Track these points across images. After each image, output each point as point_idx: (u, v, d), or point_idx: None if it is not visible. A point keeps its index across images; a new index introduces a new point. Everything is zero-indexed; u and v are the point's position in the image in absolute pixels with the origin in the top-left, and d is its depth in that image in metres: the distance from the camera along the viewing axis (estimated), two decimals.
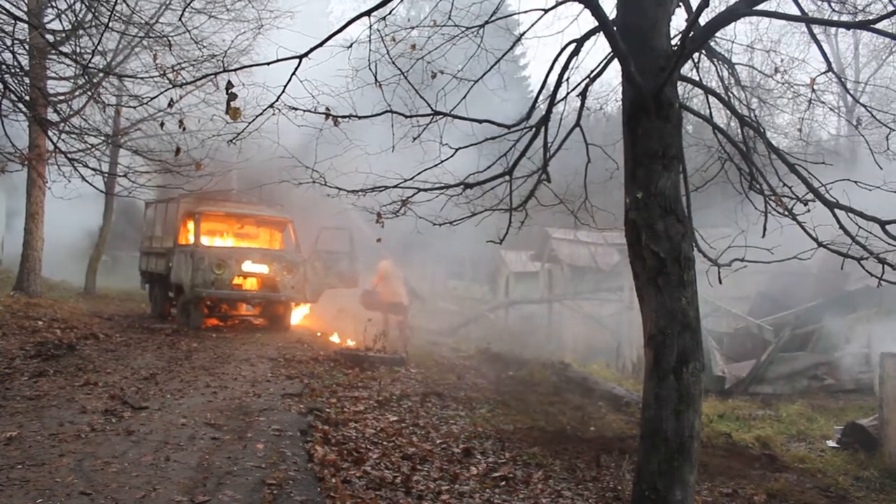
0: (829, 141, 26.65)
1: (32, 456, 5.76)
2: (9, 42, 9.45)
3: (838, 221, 5.36)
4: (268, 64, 5.13)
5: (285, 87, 5.29)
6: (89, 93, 12.08)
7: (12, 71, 9.80)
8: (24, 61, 11.49)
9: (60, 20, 11.83)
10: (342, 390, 10.10)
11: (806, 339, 17.80)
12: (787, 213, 5.85)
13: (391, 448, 7.72)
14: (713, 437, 9.80)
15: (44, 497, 4.89)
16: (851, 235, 5.33)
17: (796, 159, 5.78)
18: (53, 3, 12.39)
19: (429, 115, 6.07)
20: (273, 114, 5.50)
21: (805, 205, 5.77)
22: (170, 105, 5.80)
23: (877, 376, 11.41)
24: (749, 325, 18.20)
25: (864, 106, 6.53)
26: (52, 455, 5.82)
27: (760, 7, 5.15)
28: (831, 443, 10.79)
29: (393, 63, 5.97)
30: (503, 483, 7.16)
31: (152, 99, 6.48)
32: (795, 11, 5.46)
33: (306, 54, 5.04)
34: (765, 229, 6.10)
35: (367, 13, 5.16)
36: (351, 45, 5.67)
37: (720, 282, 6.21)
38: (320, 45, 5.02)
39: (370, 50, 5.67)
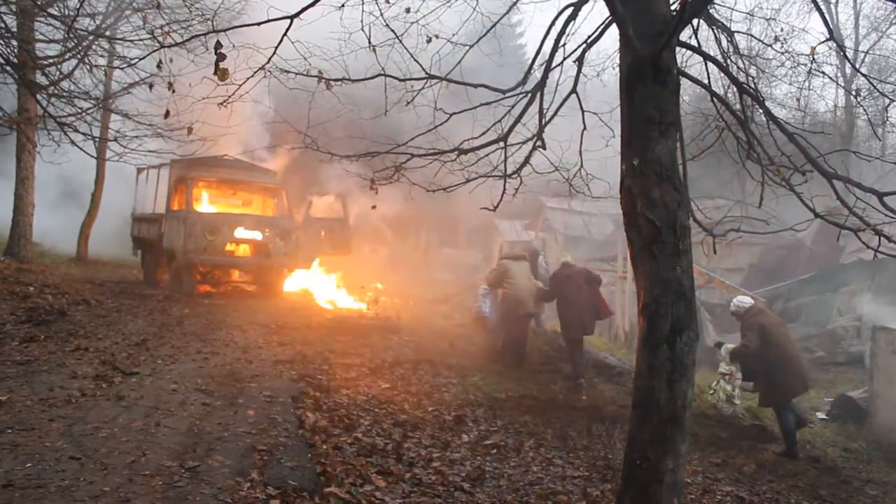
0: (827, 113, 26.57)
1: (22, 420, 5.74)
2: None
3: (836, 192, 5.31)
4: (258, 24, 5.02)
5: (276, 48, 5.19)
6: (78, 56, 11.88)
7: None
8: (12, 23, 11.31)
9: None
10: (334, 357, 10.08)
11: (798, 311, 17.88)
12: (784, 182, 5.79)
13: (383, 415, 7.73)
14: (704, 408, 9.85)
15: (33, 461, 4.88)
16: (849, 206, 5.28)
17: (795, 128, 5.71)
18: None
19: (423, 78, 5.97)
20: (264, 76, 5.40)
21: (803, 175, 5.71)
22: (159, 66, 5.68)
23: (868, 349, 11.47)
24: None
25: (865, 75, 6.47)
26: (42, 420, 5.80)
27: None
28: (821, 415, 10.88)
29: (387, 25, 5.86)
30: (494, 451, 7.19)
31: (141, 59, 6.37)
32: None
33: (297, 14, 4.94)
34: (762, 199, 6.04)
35: None
36: (343, 6, 5.55)
37: (715, 252, 6.18)
38: (312, 4, 4.91)
39: (363, 11, 5.56)
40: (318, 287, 17.53)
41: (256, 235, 14.95)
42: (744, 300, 9.54)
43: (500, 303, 12.68)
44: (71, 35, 11.40)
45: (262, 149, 16.97)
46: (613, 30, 5.28)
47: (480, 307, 13.99)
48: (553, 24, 6.01)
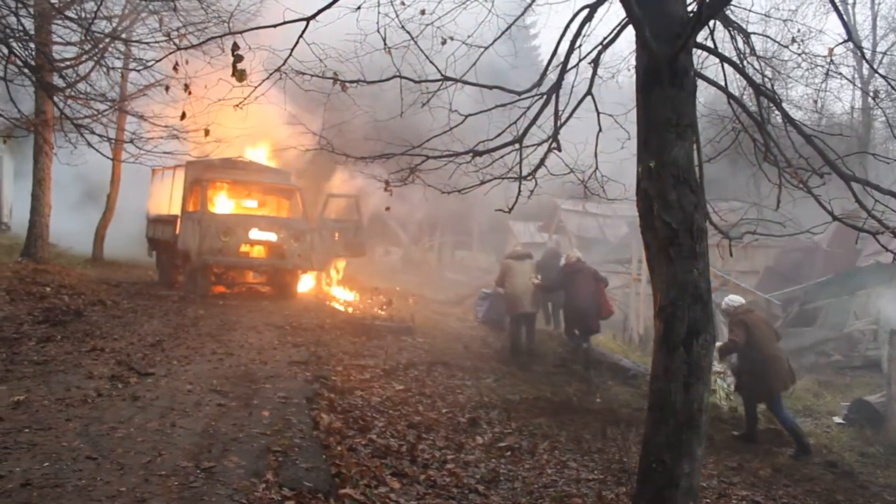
0: (844, 114, 26.36)
1: (39, 420, 5.78)
2: (13, 5, 9.34)
3: (854, 194, 5.27)
4: (274, 26, 5.03)
5: (292, 50, 5.20)
6: (95, 58, 11.97)
7: (17, 35, 9.71)
8: (29, 25, 11.40)
9: None
10: (348, 358, 10.10)
11: (814, 314, 17.73)
12: (801, 185, 5.74)
13: (397, 417, 7.74)
14: (719, 411, 9.79)
15: (50, 461, 4.90)
16: (867, 209, 5.24)
17: (813, 130, 5.66)
18: None
19: (438, 80, 5.97)
20: (280, 78, 5.41)
21: (821, 177, 5.66)
22: (175, 69, 5.71)
23: (885, 353, 11.37)
24: (757, 299, 18.12)
25: (883, 76, 6.40)
26: (58, 419, 5.83)
27: None
28: (838, 419, 10.79)
29: (402, 27, 5.86)
30: (509, 453, 7.17)
31: (157, 62, 6.40)
32: None
33: (314, 16, 4.95)
34: (779, 201, 6.00)
35: None
36: (359, 8, 5.56)
37: (731, 254, 6.14)
38: (328, 6, 4.92)
39: (379, 13, 5.57)
40: (333, 288, 17.57)
41: (271, 237, 14.98)
42: (735, 299, 9.77)
43: (503, 303, 13.27)
44: (88, 38, 11.49)
45: (281, 150, 17.00)
46: (629, 31, 5.25)
47: (476, 313, 15.40)
48: (569, 25, 5.99)
